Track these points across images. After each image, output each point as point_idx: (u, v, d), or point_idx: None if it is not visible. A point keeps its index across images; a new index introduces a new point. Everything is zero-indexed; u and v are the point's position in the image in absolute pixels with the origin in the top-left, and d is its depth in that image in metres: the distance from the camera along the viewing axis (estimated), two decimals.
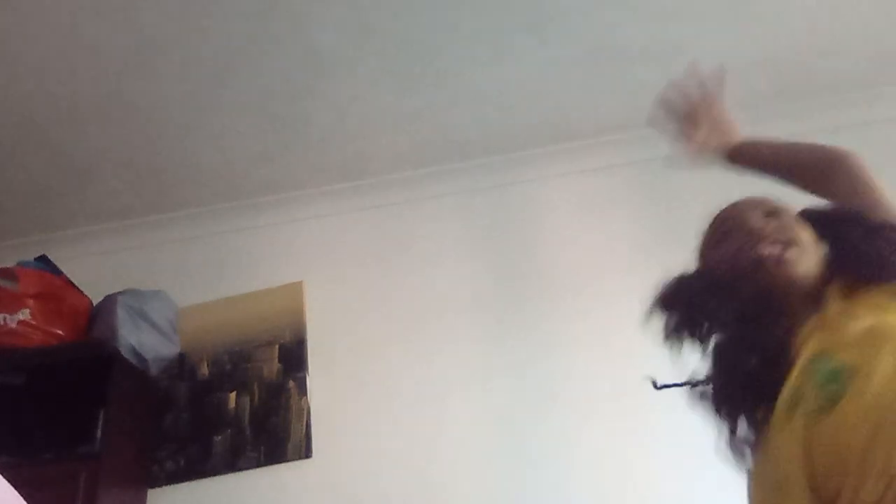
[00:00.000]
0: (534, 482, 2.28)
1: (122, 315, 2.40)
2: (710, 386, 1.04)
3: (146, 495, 2.35)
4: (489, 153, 2.82)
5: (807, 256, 1.02)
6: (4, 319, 2.28)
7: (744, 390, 0.99)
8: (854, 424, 0.80)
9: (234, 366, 2.57)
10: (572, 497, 2.24)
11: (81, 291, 2.50)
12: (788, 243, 1.03)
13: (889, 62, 2.67)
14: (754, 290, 1.01)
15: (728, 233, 1.10)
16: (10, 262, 2.49)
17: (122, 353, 2.35)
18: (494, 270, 2.67)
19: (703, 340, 1.06)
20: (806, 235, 1.05)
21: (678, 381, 1.08)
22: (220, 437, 2.43)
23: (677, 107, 1.32)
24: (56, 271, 2.47)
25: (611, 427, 2.31)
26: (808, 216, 1.11)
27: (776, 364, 0.94)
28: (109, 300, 2.47)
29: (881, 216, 1.07)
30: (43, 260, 2.51)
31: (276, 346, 2.59)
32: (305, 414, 2.45)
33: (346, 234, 2.82)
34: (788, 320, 0.98)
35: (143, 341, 2.44)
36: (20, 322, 2.28)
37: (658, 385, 1.12)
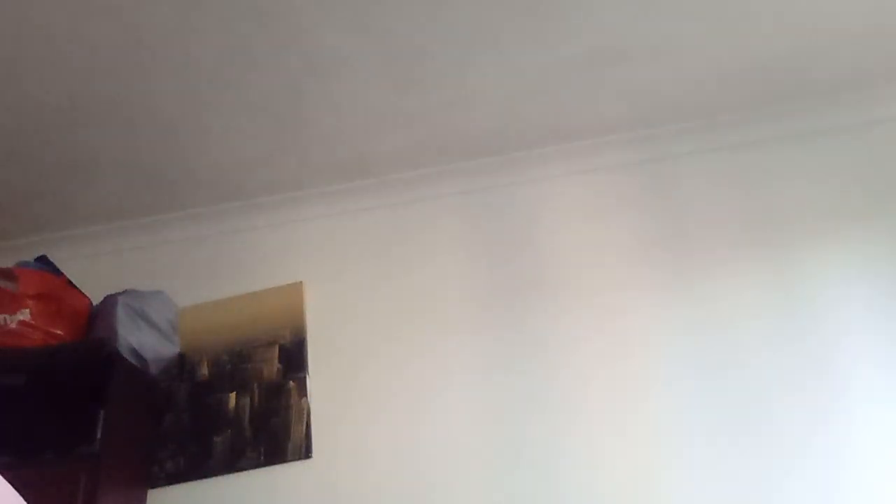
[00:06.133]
0: (533, 480, 2.28)
1: (122, 315, 2.40)
2: None
3: (146, 495, 2.35)
4: (489, 153, 2.82)
5: None
6: (4, 319, 2.27)
7: None
8: None
9: (234, 366, 2.57)
10: (570, 494, 2.24)
11: (81, 291, 2.50)
12: None
13: (888, 62, 2.67)
14: None
15: None
16: (10, 262, 2.49)
17: (122, 353, 2.35)
18: (494, 270, 2.67)
19: None
20: None
21: None
22: (220, 438, 2.44)
23: None
24: (56, 271, 2.47)
25: (608, 424, 2.32)
26: None
27: None
28: (109, 300, 2.48)
29: None
30: (43, 260, 2.50)
31: (276, 346, 2.59)
32: (305, 414, 2.45)
33: (346, 234, 2.82)
34: None
35: (143, 341, 2.44)
36: (20, 322, 2.28)
37: None
